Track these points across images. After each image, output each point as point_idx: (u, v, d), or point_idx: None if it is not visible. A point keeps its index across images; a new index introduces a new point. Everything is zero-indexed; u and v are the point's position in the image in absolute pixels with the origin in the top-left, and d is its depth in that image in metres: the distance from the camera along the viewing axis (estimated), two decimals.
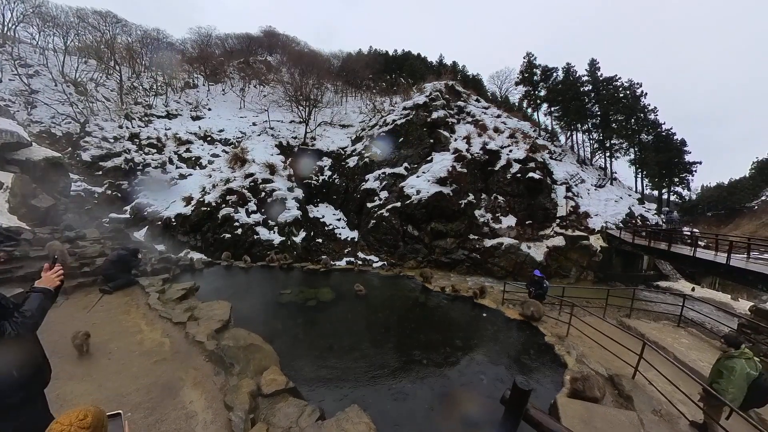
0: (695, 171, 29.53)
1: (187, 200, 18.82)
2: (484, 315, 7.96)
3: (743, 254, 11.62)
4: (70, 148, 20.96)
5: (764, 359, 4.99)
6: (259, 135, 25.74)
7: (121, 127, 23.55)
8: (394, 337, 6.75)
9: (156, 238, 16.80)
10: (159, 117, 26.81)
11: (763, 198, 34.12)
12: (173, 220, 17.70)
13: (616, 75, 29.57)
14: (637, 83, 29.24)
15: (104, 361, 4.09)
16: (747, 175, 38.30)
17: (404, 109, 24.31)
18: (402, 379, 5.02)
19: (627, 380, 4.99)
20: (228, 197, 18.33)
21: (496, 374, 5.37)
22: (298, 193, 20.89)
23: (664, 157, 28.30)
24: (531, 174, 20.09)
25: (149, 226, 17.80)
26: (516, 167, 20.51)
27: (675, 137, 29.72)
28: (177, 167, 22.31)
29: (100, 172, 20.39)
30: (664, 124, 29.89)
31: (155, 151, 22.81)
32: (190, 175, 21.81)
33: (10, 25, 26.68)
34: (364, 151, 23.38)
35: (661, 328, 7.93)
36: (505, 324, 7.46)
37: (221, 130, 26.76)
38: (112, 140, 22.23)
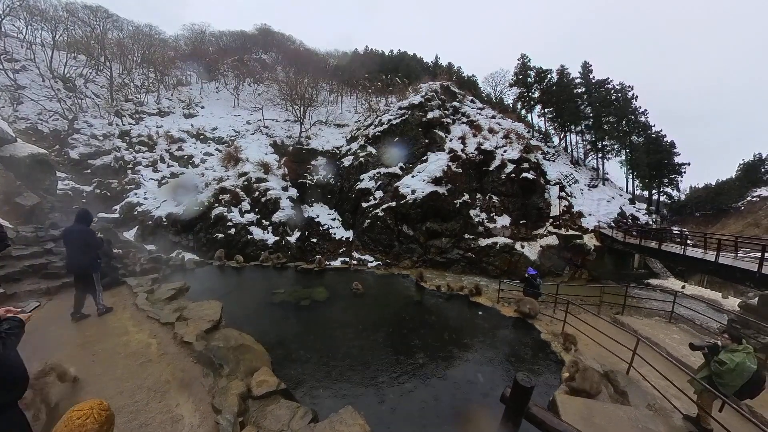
0: (684, 172, 30.04)
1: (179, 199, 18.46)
2: (480, 313, 7.96)
3: (731, 252, 11.93)
4: (57, 146, 20.37)
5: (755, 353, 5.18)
6: (253, 134, 25.43)
7: (111, 124, 23.02)
8: (390, 335, 6.68)
9: (146, 238, 16.44)
10: (150, 114, 26.28)
11: (749, 199, 34.94)
12: (164, 219, 17.34)
13: (609, 77, 30.06)
14: (629, 86, 29.74)
15: (87, 363, 3.93)
16: (733, 177, 39.22)
17: (400, 109, 24.26)
18: (398, 378, 4.95)
19: (621, 376, 5.01)
20: (221, 196, 18.05)
21: (492, 371, 5.34)
22: (293, 192, 20.68)
23: (654, 159, 28.79)
24: (525, 174, 20.25)
25: (139, 226, 17.40)
26: (510, 167, 20.65)
27: (665, 139, 30.29)
28: (169, 166, 21.88)
29: (89, 171, 19.86)
30: (654, 126, 30.47)
31: (146, 149, 22.35)
32: (182, 173, 21.41)
33: None
34: (359, 151, 23.26)
35: (654, 324, 8.02)
36: (500, 321, 7.47)
37: (214, 129, 26.33)
38: (101, 138, 21.70)
